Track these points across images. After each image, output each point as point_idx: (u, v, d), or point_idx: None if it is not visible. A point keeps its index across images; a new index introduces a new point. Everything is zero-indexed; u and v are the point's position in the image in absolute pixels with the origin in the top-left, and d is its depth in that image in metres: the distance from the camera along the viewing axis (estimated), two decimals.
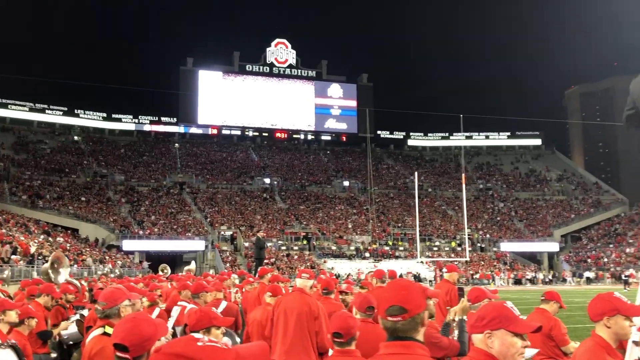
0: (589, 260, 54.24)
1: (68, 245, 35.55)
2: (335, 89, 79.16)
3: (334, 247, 52.85)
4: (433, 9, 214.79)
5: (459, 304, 3.69)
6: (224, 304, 5.68)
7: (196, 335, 1.64)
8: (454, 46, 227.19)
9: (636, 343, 2.71)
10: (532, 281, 47.62)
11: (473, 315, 2.17)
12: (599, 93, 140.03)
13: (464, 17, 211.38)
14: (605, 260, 53.01)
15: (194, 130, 74.69)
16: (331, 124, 78.83)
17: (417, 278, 41.59)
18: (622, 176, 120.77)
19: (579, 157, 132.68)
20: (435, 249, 54.17)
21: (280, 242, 51.93)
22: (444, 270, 6.73)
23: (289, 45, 77.05)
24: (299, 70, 77.68)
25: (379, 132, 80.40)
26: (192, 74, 73.71)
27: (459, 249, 53.20)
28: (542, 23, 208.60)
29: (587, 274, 48.67)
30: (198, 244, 48.23)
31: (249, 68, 76.04)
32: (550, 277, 49.70)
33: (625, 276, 40.00)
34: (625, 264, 50.11)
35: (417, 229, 39.90)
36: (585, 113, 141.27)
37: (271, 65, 76.25)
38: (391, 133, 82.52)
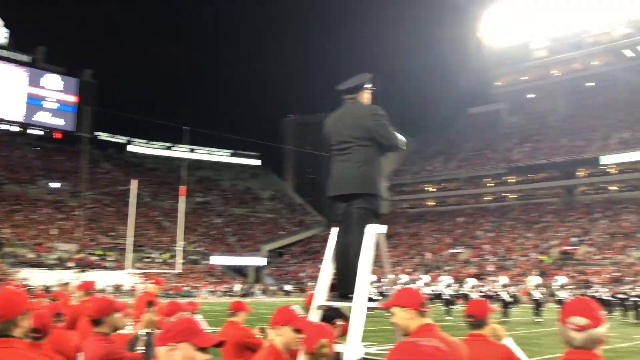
0: (289, 274, 59.69)
1: None
2: (53, 80, 71.88)
3: (31, 255, 47.21)
4: (174, 20, 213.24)
5: (146, 316, 3.71)
6: None
7: None
8: (183, 57, 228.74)
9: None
10: (230, 293, 49.27)
11: (162, 328, 2.19)
12: (313, 124, 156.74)
13: (199, 33, 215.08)
14: (304, 274, 58.91)
15: None
16: (45, 118, 71.14)
17: (129, 292, 39.96)
18: (323, 200, 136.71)
19: (291, 180, 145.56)
20: (147, 260, 52.82)
21: None
22: (148, 282, 6.66)
23: (1, 22, 67.38)
24: (11, 53, 68.39)
25: (99, 133, 75.54)
26: None
27: (171, 261, 52.85)
28: (270, 51, 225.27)
29: (286, 287, 53.44)
30: None
31: None
32: (246, 289, 52.38)
33: None
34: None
35: (130, 239, 38.54)
36: (300, 141, 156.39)
37: None
38: (112, 136, 78.32)
